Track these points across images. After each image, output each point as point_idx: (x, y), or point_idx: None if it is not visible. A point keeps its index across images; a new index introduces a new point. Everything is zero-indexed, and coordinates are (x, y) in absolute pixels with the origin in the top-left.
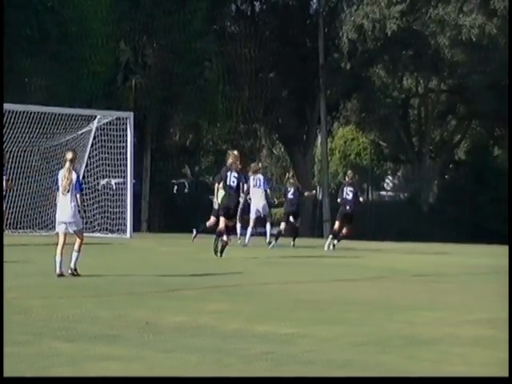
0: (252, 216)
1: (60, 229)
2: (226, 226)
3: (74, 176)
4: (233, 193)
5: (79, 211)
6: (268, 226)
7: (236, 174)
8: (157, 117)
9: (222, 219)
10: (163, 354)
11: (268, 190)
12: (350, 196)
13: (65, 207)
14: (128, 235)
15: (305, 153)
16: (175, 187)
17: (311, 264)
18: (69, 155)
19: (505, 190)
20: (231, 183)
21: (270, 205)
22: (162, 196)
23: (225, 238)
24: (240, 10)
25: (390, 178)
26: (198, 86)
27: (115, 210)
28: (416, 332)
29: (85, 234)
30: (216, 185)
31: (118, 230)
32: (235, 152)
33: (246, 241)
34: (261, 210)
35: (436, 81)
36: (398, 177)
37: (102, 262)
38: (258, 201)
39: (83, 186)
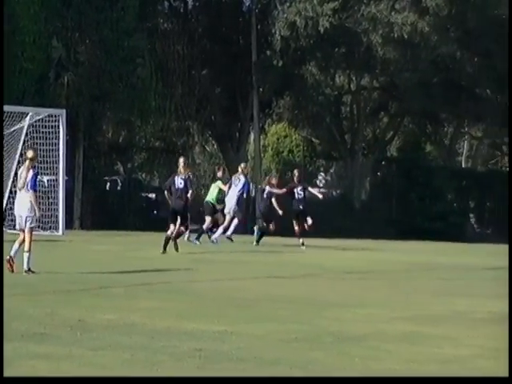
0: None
1: (18, 224)
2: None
3: (30, 174)
4: (179, 195)
5: (35, 209)
6: (235, 221)
7: (183, 177)
8: (89, 114)
9: (171, 225)
10: (93, 351)
11: (245, 195)
12: (301, 195)
13: (21, 203)
14: (60, 232)
15: (237, 150)
16: (108, 184)
17: (245, 262)
18: (29, 154)
19: (433, 187)
20: (179, 185)
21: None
22: (94, 193)
23: (182, 228)
24: (173, 6)
25: (322, 174)
26: (131, 83)
27: (47, 207)
28: (345, 329)
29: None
30: (166, 192)
31: (50, 227)
32: (182, 159)
33: (217, 236)
34: (231, 209)
35: (368, 78)
36: (330, 174)
37: (34, 259)
38: (229, 198)
39: (38, 183)
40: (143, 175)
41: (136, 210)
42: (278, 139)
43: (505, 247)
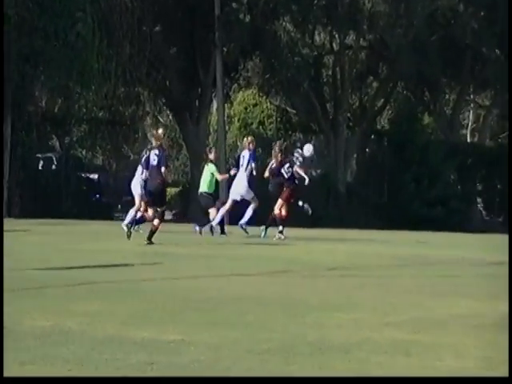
0: (230, 198)
1: None
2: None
3: None
4: (154, 174)
5: None
6: (250, 209)
7: (157, 152)
8: (18, 78)
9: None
10: (20, 366)
11: (253, 164)
12: (290, 173)
13: None
14: None
15: (198, 121)
16: (40, 163)
17: (210, 256)
18: None
19: (432, 166)
20: (153, 162)
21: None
22: (24, 173)
23: (156, 222)
24: None
25: (299, 151)
26: (69, 41)
27: None
28: (327, 337)
29: None
30: (144, 173)
31: None
32: (160, 131)
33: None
34: (242, 193)
35: (354, 36)
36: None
37: None
38: (237, 181)
39: None
40: (83, 152)
41: (74, 193)
42: (245, 109)
43: None
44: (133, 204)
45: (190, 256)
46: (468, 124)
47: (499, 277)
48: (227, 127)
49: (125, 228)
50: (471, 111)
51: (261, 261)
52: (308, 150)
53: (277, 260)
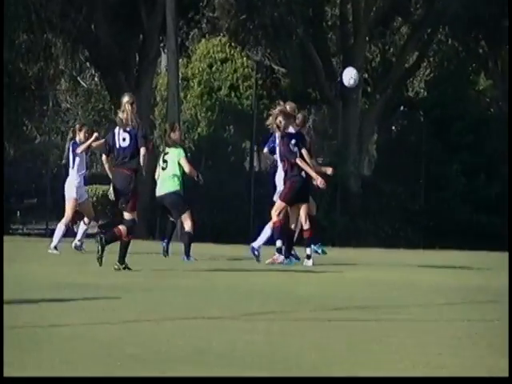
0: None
1: None
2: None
3: None
4: (122, 162)
5: None
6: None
7: (129, 129)
8: None
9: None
10: None
11: (265, 150)
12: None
13: None
14: None
15: (138, 85)
16: None
17: (165, 288)
18: None
19: (488, 153)
20: (121, 143)
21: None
22: None
23: (121, 228)
24: None
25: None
26: None
27: None
28: None
29: None
30: (104, 158)
31: None
32: (127, 98)
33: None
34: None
35: None
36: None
37: None
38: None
39: None
40: None
41: None
42: (210, 66)
43: None
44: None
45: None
46: None
47: None
48: (182, 94)
49: (77, 248)
50: None
51: (240, 296)
52: (350, 76)
53: (261, 294)
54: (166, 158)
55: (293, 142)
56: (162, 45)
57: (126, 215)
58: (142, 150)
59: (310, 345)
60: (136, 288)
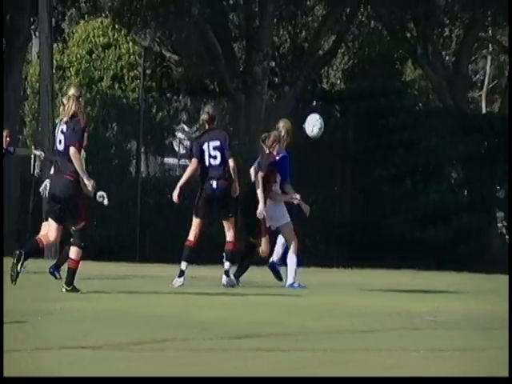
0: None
1: None
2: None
3: None
4: (62, 166)
5: None
6: (280, 242)
7: (64, 128)
8: None
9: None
10: None
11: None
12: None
13: None
14: None
15: (3, 74)
16: None
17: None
18: None
19: (420, 156)
20: (57, 144)
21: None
22: None
23: (73, 252)
24: None
25: (185, 128)
26: None
27: None
28: None
29: None
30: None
31: None
32: (71, 91)
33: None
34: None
35: None
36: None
37: None
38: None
39: None
40: None
41: None
42: (90, 53)
43: None
44: None
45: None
46: (484, 81)
47: None
48: (57, 85)
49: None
50: (489, 59)
51: (132, 321)
52: (313, 124)
53: (152, 319)
54: None
55: None
56: (32, 27)
57: (74, 227)
58: (71, 150)
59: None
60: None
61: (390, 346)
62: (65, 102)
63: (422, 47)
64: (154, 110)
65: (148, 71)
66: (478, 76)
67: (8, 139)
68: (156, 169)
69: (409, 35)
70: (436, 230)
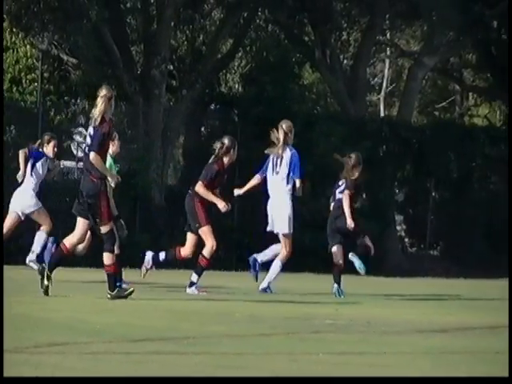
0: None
1: None
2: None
3: None
4: (84, 165)
5: None
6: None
7: (92, 131)
8: None
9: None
10: None
11: (297, 181)
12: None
13: None
14: None
15: None
16: None
17: None
18: None
19: (317, 159)
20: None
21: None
22: None
23: (106, 257)
24: None
25: (83, 132)
26: None
27: None
28: None
29: None
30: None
31: None
32: (103, 92)
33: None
34: (274, 221)
35: None
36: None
37: None
38: (273, 201)
39: None
40: None
41: None
42: None
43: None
44: None
45: None
46: (382, 84)
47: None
48: None
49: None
50: (387, 62)
51: (30, 325)
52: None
53: (50, 324)
54: None
55: None
56: None
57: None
58: (92, 154)
59: None
60: None
61: (290, 350)
62: (97, 102)
63: (320, 51)
64: (52, 113)
65: (46, 74)
66: (376, 79)
67: (55, 150)
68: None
69: (307, 39)
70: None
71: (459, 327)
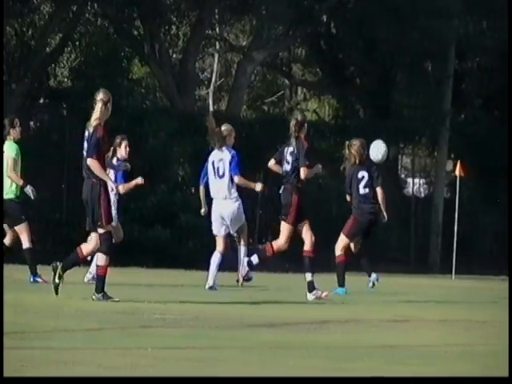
0: (214, 230)
1: None
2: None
3: None
4: (84, 169)
5: None
6: (242, 248)
7: (87, 135)
8: None
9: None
10: None
11: (236, 177)
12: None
13: None
14: None
15: None
16: None
17: None
18: None
19: (153, 154)
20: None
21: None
22: None
23: (100, 258)
24: None
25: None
26: None
27: None
28: None
29: None
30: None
31: None
32: (100, 95)
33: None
34: (227, 220)
35: None
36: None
37: None
38: (220, 202)
39: None
40: None
41: None
42: None
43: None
44: None
45: None
46: (211, 79)
47: None
48: None
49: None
50: (216, 56)
51: None
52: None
53: None
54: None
55: None
56: None
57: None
58: (89, 160)
59: None
60: None
61: (118, 345)
62: (95, 106)
63: (149, 45)
64: None
65: None
66: (205, 74)
67: (128, 149)
68: None
69: (136, 33)
70: (164, 228)
71: (290, 322)
